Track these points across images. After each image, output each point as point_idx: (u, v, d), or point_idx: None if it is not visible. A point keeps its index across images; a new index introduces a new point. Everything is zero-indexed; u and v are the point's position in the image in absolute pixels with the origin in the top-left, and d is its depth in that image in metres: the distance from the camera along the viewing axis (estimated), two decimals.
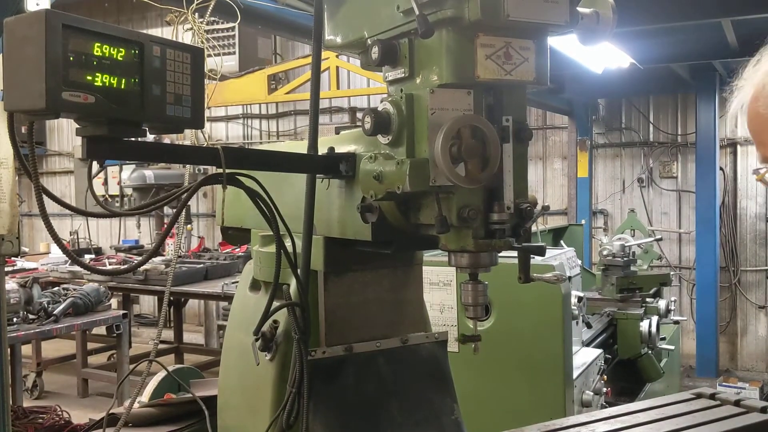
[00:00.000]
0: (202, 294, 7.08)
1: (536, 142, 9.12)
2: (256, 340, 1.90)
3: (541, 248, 1.55)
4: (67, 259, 8.08)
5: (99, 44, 1.26)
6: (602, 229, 8.81)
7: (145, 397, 2.97)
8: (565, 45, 5.40)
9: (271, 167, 1.73)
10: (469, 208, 1.45)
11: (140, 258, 1.65)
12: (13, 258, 8.45)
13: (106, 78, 1.27)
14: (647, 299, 4.84)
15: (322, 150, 1.76)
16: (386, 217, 1.63)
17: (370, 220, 1.65)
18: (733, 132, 8.00)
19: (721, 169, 7.99)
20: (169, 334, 8.73)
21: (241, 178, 1.61)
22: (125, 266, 6.85)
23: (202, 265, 7.43)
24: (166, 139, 7.55)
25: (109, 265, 7.40)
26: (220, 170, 1.51)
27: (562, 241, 5.28)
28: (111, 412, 2.55)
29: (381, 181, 1.51)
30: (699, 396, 2.07)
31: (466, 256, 1.54)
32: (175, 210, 1.68)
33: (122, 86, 1.29)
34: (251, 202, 1.72)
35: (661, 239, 6.83)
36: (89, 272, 6.96)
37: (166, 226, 1.56)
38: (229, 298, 6.25)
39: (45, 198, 1.38)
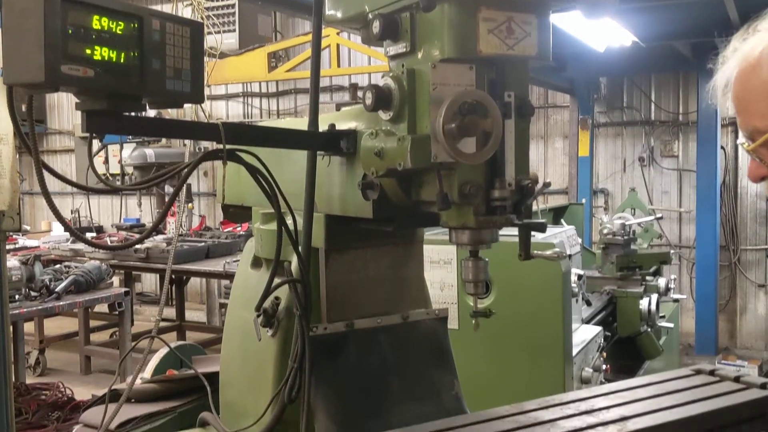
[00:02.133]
0: (204, 272, 7.10)
1: (537, 121, 9.08)
2: (258, 316, 1.91)
3: (542, 225, 1.55)
4: (68, 237, 8.13)
5: (98, 17, 1.25)
6: (603, 208, 8.81)
7: (147, 373, 2.99)
8: (568, 23, 5.35)
9: (272, 143, 1.72)
10: (471, 185, 1.44)
11: (141, 235, 1.65)
12: (14, 236, 8.47)
13: (105, 51, 1.26)
14: (647, 278, 4.85)
15: (322, 127, 1.75)
16: (387, 194, 1.62)
17: (371, 197, 1.64)
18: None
19: (722, 147, 7.97)
20: (171, 312, 8.76)
21: (242, 155, 1.60)
22: (127, 242, 6.88)
23: (203, 244, 7.43)
24: (167, 117, 7.51)
25: (111, 243, 7.41)
26: (221, 146, 1.51)
27: (562, 220, 5.28)
28: (113, 388, 2.56)
29: (382, 157, 1.51)
30: (698, 372, 2.07)
31: (466, 233, 1.54)
32: (176, 197, 1.68)
33: (122, 60, 1.28)
34: (252, 179, 1.72)
35: (661, 218, 6.83)
36: (91, 248, 6.98)
37: (167, 202, 1.56)
38: (230, 276, 6.26)
39: (46, 175, 1.38)
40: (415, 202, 1.59)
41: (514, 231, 1.63)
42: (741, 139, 1.35)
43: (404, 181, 1.57)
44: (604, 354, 3.70)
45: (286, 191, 1.76)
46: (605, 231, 4.97)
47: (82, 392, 5.57)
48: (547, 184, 1.52)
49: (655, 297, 4.54)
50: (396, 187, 1.58)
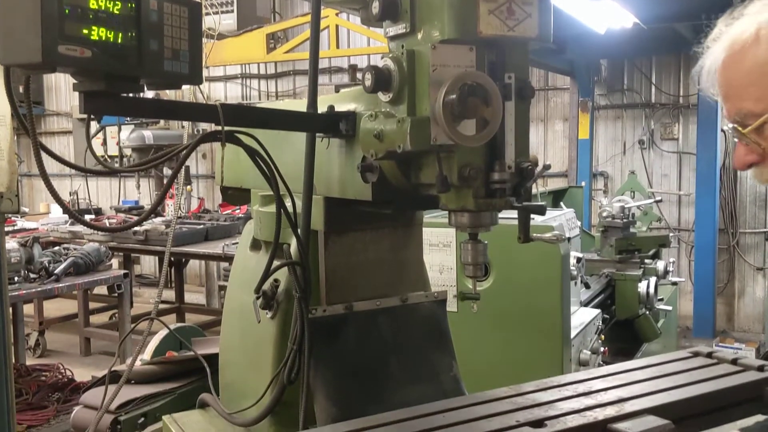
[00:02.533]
0: (203, 254, 7.10)
1: (537, 103, 9.05)
2: (257, 298, 1.92)
3: (542, 207, 1.54)
4: (67, 219, 8.11)
5: None
6: (602, 191, 8.80)
7: (147, 354, 3.01)
8: (568, 4, 5.32)
9: (270, 125, 1.72)
10: (470, 167, 1.44)
11: (140, 217, 1.65)
12: (13, 218, 8.46)
13: (102, 32, 1.25)
14: (646, 260, 4.86)
15: (321, 108, 1.74)
16: (386, 177, 1.62)
17: (370, 180, 1.64)
18: None
19: (722, 130, 7.95)
20: (170, 295, 8.78)
21: (240, 136, 1.59)
22: (125, 224, 6.87)
23: (202, 226, 7.43)
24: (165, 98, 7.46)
25: (109, 225, 7.41)
26: (219, 128, 1.50)
27: (561, 203, 5.28)
28: (113, 369, 2.58)
29: (381, 139, 1.50)
30: (696, 354, 2.08)
31: (466, 216, 1.54)
32: (175, 178, 1.67)
33: (119, 40, 1.27)
34: (251, 161, 1.71)
35: (660, 201, 6.82)
36: (90, 230, 6.97)
37: (165, 184, 1.55)
38: (229, 258, 6.27)
39: (44, 157, 1.37)
40: (415, 184, 1.59)
41: (514, 214, 1.63)
42: (729, 124, 1.31)
43: (403, 163, 1.56)
44: (603, 336, 3.71)
45: (285, 174, 1.75)
46: (604, 214, 4.98)
47: (82, 374, 5.59)
48: (546, 167, 1.52)
49: (653, 280, 4.55)
50: (395, 170, 1.58)
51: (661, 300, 4.79)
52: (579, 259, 3.39)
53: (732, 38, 1.28)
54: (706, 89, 1.35)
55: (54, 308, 8.33)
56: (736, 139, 1.30)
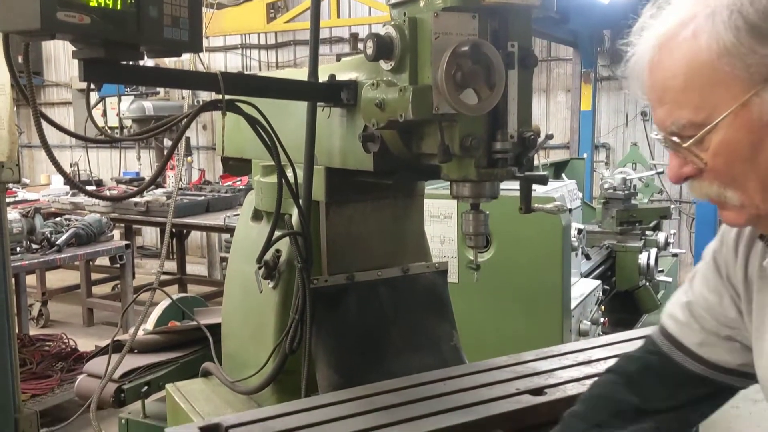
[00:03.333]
0: (204, 226, 7.10)
1: (540, 74, 8.97)
2: (259, 268, 1.92)
3: (544, 177, 1.54)
4: (68, 190, 8.10)
5: None
6: (604, 163, 8.77)
7: (149, 324, 3.02)
8: None
9: (271, 94, 1.70)
10: (472, 137, 1.43)
11: (141, 186, 1.65)
12: (14, 189, 8.45)
13: None
14: (647, 232, 4.86)
15: (322, 78, 1.73)
16: (388, 147, 1.61)
17: (371, 150, 1.63)
18: None
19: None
20: (172, 266, 8.80)
21: (241, 105, 1.58)
22: (128, 193, 6.87)
23: (203, 198, 7.41)
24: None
25: (110, 195, 7.40)
26: (219, 97, 1.49)
27: (563, 175, 5.26)
28: (116, 339, 2.59)
29: (383, 108, 1.49)
30: None
31: (467, 186, 1.54)
32: (176, 147, 1.67)
33: (118, 6, 1.26)
34: (251, 132, 1.70)
35: (662, 172, 6.79)
36: (91, 201, 6.98)
37: (166, 154, 1.55)
38: (231, 230, 6.27)
39: (44, 128, 1.36)
40: (416, 154, 1.58)
41: (514, 185, 1.63)
42: (659, 133, 1.10)
43: (405, 133, 1.55)
44: (603, 307, 3.73)
45: (286, 144, 1.74)
46: (606, 186, 4.96)
47: (85, 344, 5.62)
48: (549, 137, 1.51)
49: (654, 251, 4.55)
50: (397, 140, 1.57)
51: (662, 272, 4.80)
52: (580, 231, 3.39)
53: (663, 33, 1.07)
54: (633, 91, 1.14)
55: (56, 279, 8.37)
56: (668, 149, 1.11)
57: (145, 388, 2.65)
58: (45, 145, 1.36)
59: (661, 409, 1.31)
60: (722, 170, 1.04)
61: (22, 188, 8.67)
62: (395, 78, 1.50)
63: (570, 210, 3.29)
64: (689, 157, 1.06)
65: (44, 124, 1.43)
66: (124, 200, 7.00)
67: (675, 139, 1.07)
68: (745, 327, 1.24)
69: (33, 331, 6.26)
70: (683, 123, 1.04)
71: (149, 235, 11.08)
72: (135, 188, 7.73)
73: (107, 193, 7.53)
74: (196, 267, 9.73)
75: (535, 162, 2.82)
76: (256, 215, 2.16)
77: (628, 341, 1.96)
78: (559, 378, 1.68)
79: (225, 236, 8.30)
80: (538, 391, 1.60)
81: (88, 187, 7.38)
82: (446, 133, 1.42)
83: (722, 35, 0.99)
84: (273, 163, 1.76)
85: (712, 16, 1.01)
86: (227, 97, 1.51)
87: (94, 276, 7.87)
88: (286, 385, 1.89)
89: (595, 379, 1.43)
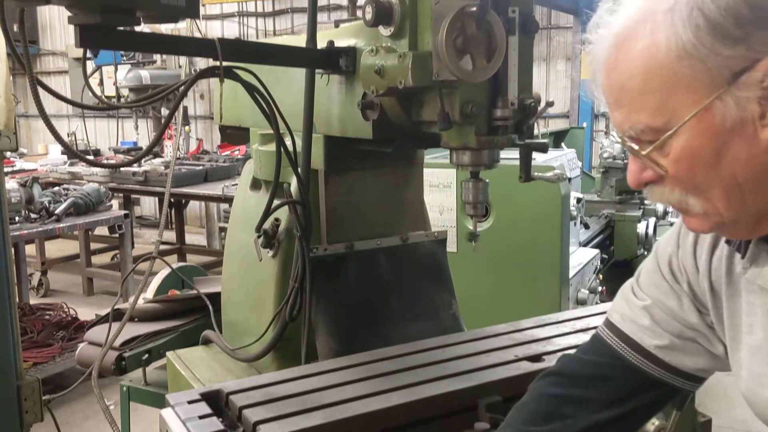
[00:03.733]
0: (203, 196, 7.09)
1: (540, 42, 8.88)
2: (258, 237, 1.92)
3: (544, 144, 1.53)
4: (66, 160, 8.06)
5: None
6: (604, 132, 8.73)
7: (149, 293, 3.03)
8: None
9: (269, 60, 1.69)
10: (473, 104, 1.42)
11: (140, 153, 1.64)
12: (11, 158, 8.41)
13: None
14: (645, 201, 4.86)
15: (321, 44, 1.71)
16: (387, 115, 1.60)
17: (370, 118, 1.62)
18: None
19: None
20: (171, 236, 8.81)
21: (239, 72, 1.57)
22: (126, 160, 6.84)
23: (201, 167, 7.39)
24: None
25: (107, 168, 7.37)
26: (217, 64, 1.47)
27: (563, 144, 5.25)
28: (116, 307, 2.60)
29: (382, 75, 1.48)
30: None
31: (467, 154, 1.53)
32: (173, 115, 1.65)
33: None
34: (249, 100, 1.69)
35: None
36: (89, 171, 6.96)
37: (163, 122, 1.54)
38: (229, 200, 6.26)
39: (42, 94, 1.35)
40: (416, 122, 1.57)
41: (514, 154, 1.62)
42: (616, 137, 1.09)
43: (405, 100, 1.54)
44: (601, 276, 3.75)
45: (284, 112, 1.73)
46: (605, 155, 4.95)
47: (85, 313, 5.65)
48: (549, 104, 1.50)
49: (652, 221, 4.56)
50: (396, 107, 1.56)
51: None
52: (579, 200, 3.39)
53: (620, 31, 0.99)
54: (589, 91, 1.08)
55: (55, 249, 8.37)
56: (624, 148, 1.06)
57: (146, 355, 2.67)
58: (42, 113, 1.35)
59: (612, 415, 1.22)
60: (684, 177, 0.98)
61: (20, 158, 8.63)
62: (395, 44, 1.48)
63: (569, 179, 3.28)
64: (649, 164, 1.00)
65: (41, 92, 1.41)
66: (124, 168, 6.99)
67: (633, 144, 1.00)
68: (706, 332, 1.19)
69: (33, 301, 6.29)
70: (641, 127, 0.98)
71: (148, 205, 11.07)
72: (133, 157, 7.72)
73: (105, 162, 7.50)
74: (195, 237, 9.73)
75: (535, 131, 2.81)
76: (255, 184, 2.15)
77: None
78: (557, 345, 1.69)
79: (224, 206, 8.30)
80: (536, 358, 1.62)
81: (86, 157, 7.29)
82: (446, 100, 1.41)
83: (681, 35, 0.92)
84: (271, 131, 1.75)
85: (671, 13, 0.93)
86: (225, 64, 1.49)
87: (93, 246, 7.88)
88: (286, 353, 1.91)
89: (534, 382, 1.31)
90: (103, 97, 8.85)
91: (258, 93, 1.62)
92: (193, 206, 10.17)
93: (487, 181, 1.60)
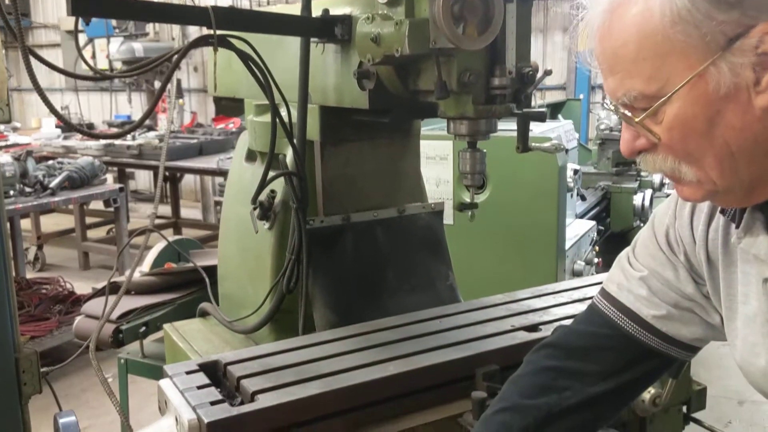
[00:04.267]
0: (197, 169, 7.06)
1: (537, 13, 8.79)
2: (254, 209, 1.91)
3: (542, 113, 1.52)
4: (59, 133, 8.01)
5: None
6: (601, 104, 8.70)
7: (145, 266, 3.03)
8: None
9: (263, 28, 1.66)
10: (470, 72, 1.41)
11: (134, 123, 1.62)
12: (4, 132, 8.36)
13: None
14: (642, 173, 4.86)
15: (316, 13, 1.69)
16: (384, 84, 1.58)
17: (367, 87, 1.60)
18: None
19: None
20: (166, 210, 8.80)
21: (233, 41, 1.54)
22: (120, 130, 6.80)
23: (196, 141, 7.35)
24: None
25: (102, 139, 7.33)
26: (211, 32, 1.45)
27: (560, 116, 5.23)
28: (113, 280, 2.60)
29: (378, 43, 1.45)
30: None
31: (465, 123, 1.52)
32: (167, 85, 1.63)
33: None
34: (244, 70, 1.66)
35: None
36: (83, 145, 6.91)
37: (157, 92, 1.51)
38: (224, 173, 6.24)
39: (35, 67, 1.33)
40: (413, 91, 1.55)
41: (511, 126, 1.61)
42: (609, 105, 1.04)
43: (401, 69, 1.52)
44: (597, 248, 3.75)
45: (279, 82, 1.71)
46: (602, 126, 4.93)
47: (81, 287, 5.66)
48: (548, 72, 1.48)
49: (649, 192, 4.56)
50: (393, 76, 1.54)
51: None
52: (576, 171, 3.38)
53: None
54: (582, 58, 1.06)
55: (51, 223, 8.35)
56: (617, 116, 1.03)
57: (143, 328, 2.68)
58: (35, 83, 1.33)
59: (608, 387, 1.22)
60: (677, 145, 0.98)
61: (13, 132, 8.57)
62: (391, 11, 1.46)
63: (566, 150, 3.27)
64: (642, 132, 0.99)
65: (34, 64, 1.39)
66: (118, 141, 6.95)
67: (626, 112, 0.99)
68: (702, 303, 1.19)
69: (29, 275, 6.29)
70: (635, 95, 0.97)
71: (143, 179, 11.04)
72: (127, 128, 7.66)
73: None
74: (190, 211, 9.72)
75: (532, 103, 2.79)
76: (250, 156, 2.14)
77: None
78: (554, 315, 1.69)
79: (219, 180, 8.28)
80: (532, 328, 1.62)
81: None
82: (443, 68, 1.39)
83: (676, 0, 0.91)
84: (266, 102, 1.73)
85: None
86: (218, 32, 1.47)
87: (89, 220, 7.86)
88: (284, 324, 1.91)
89: (530, 354, 1.29)
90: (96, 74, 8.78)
91: (252, 62, 1.60)
92: (188, 180, 10.15)
93: (485, 151, 1.59)
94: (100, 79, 1.55)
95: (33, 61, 1.38)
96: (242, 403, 1.33)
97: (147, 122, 8.58)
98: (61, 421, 1.28)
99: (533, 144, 1.67)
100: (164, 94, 7.81)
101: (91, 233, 7.86)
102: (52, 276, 5.84)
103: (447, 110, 1.48)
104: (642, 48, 0.95)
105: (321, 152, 1.90)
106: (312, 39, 1.71)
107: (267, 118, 1.81)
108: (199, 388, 1.35)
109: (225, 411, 1.26)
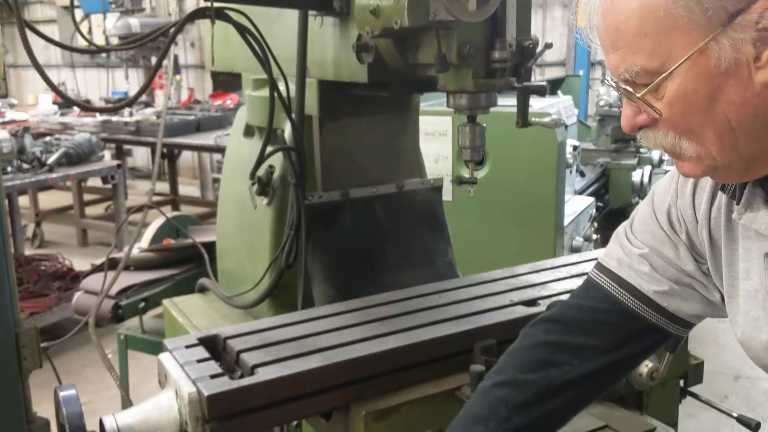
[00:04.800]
0: (195, 146, 7.03)
1: None
2: (253, 184, 1.91)
3: (542, 87, 1.51)
4: (56, 110, 7.96)
5: None
6: (600, 80, 8.65)
7: (144, 243, 3.03)
8: None
9: (261, 0, 1.64)
10: (470, 45, 1.39)
11: (131, 97, 1.60)
12: (2, 109, 8.32)
13: None
14: (641, 150, 4.85)
15: None
16: (383, 57, 1.57)
17: (366, 60, 1.59)
18: None
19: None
20: (164, 187, 8.78)
21: (230, 13, 1.53)
22: (118, 104, 6.75)
23: (193, 117, 7.31)
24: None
25: (99, 115, 7.29)
26: (208, 4, 1.44)
27: (559, 92, 5.20)
28: (111, 256, 2.60)
29: (378, 15, 1.44)
30: None
31: (465, 97, 1.51)
32: (164, 58, 1.61)
33: None
34: (242, 44, 1.65)
35: None
36: (80, 121, 6.88)
37: (154, 64, 1.50)
38: (222, 150, 6.20)
39: (31, 40, 1.31)
40: (412, 65, 1.54)
41: (510, 101, 1.59)
42: (610, 81, 1.04)
43: (401, 42, 1.51)
44: (595, 224, 3.75)
45: (277, 56, 1.70)
46: (602, 102, 4.91)
47: (80, 264, 5.66)
48: (548, 45, 1.47)
49: (648, 169, 4.55)
50: (392, 49, 1.53)
51: None
52: (575, 147, 3.37)
53: None
54: (584, 35, 1.06)
55: (49, 200, 8.34)
56: (618, 92, 1.03)
57: (142, 304, 2.69)
58: (31, 57, 1.32)
59: (606, 362, 1.22)
60: (678, 120, 0.98)
61: (10, 108, 8.53)
62: None
63: (566, 126, 3.26)
64: (643, 107, 1.00)
65: (31, 40, 1.38)
66: (117, 111, 6.90)
67: (628, 87, 1.00)
68: (702, 280, 1.20)
69: (28, 252, 6.29)
70: (637, 70, 0.97)
71: (141, 157, 11.01)
72: (125, 108, 7.62)
73: (96, 113, 7.42)
74: (188, 188, 9.71)
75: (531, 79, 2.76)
76: (248, 131, 2.13)
77: None
78: (553, 290, 1.70)
79: (217, 157, 8.25)
80: (531, 303, 1.63)
81: (76, 108, 7.17)
82: (443, 41, 1.38)
83: None
84: (264, 76, 1.72)
85: None
86: (216, 4, 1.45)
87: (87, 197, 7.85)
88: (283, 300, 1.91)
89: (527, 328, 1.29)
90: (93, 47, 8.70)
91: (250, 35, 1.59)
92: (186, 157, 10.12)
93: (484, 125, 1.58)
94: (96, 51, 1.53)
95: (30, 36, 1.36)
96: (242, 376, 1.33)
97: (144, 99, 8.54)
98: (62, 394, 1.29)
99: (533, 119, 1.66)
100: (161, 70, 7.75)
101: (90, 210, 7.86)
102: (51, 253, 5.84)
103: (447, 84, 1.47)
104: (644, 23, 0.94)
105: (320, 127, 1.89)
106: (310, 12, 1.69)
107: (265, 92, 1.80)
108: (198, 361, 1.36)
109: (225, 384, 1.27)
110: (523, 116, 1.61)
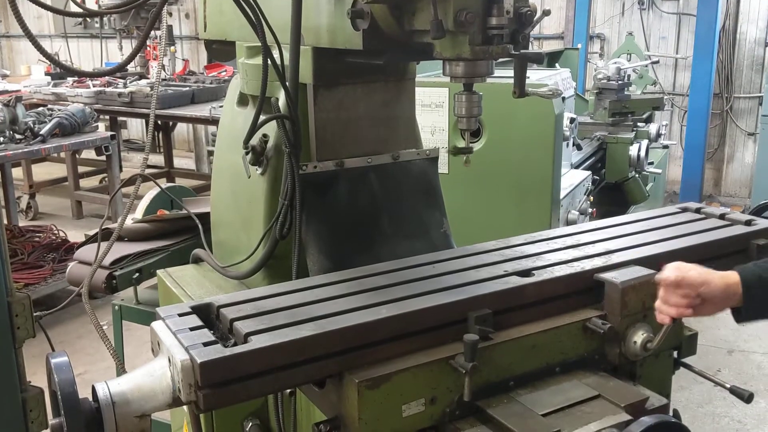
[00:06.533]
0: (190, 117, 6.98)
1: None
2: (247, 153, 1.89)
3: (540, 55, 1.49)
4: (49, 80, 7.87)
5: None
6: (598, 54, 8.59)
7: (138, 214, 3.02)
8: None
9: None
10: (467, 11, 1.37)
11: (122, 61, 1.58)
12: None
13: None
14: (638, 123, 4.83)
15: None
16: (378, 24, 1.54)
17: (361, 27, 1.56)
18: None
19: None
20: (159, 160, 8.74)
21: None
22: (111, 79, 6.68)
23: (188, 89, 7.25)
24: None
25: (93, 86, 7.22)
26: None
27: (557, 65, 5.15)
28: (105, 227, 2.58)
29: None
30: (685, 210, 2.10)
31: (461, 65, 1.49)
32: (156, 21, 1.58)
33: None
34: (235, 12, 1.62)
35: (657, 62, 6.69)
36: (73, 92, 6.81)
37: (145, 29, 1.46)
38: (217, 121, 6.16)
39: (23, 9, 1.28)
40: (408, 31, 1.52)
41: (506, 73, 1.57)
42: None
43: (396, 8, 1.48)
44: (591, 198, 3.75)
45: (271, 24, 1.67)
46: (600, 76, 4.88)
47: (75, 235, 5.64)
48: (546, 12, 1.45)
49: (645, 143, 4.54)
50: (388, 15, 1.50)
51: (651, 164, 4.80)
52: (572, 120, 3.35)
53: None
54: None
55: (43, 172, 8.30)
56: None
57: (137, 274, 2.68)
58: (22, 25, 1.29)
59: None
60: None
61: (2, 79, 8.44)
62: None
63: (564, 98, 3.23)
64: None
65: (22, 9, 1.35)
66: (112, 74, 6.82)
67: None
68: None
69: (22, 223, 6.27)
70: None
71: (135, 128, 10.94)
72: (118, 79, 7.55)
73: (90, 83, 7.35)
74: (183, 161, 9.67)
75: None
76: (242, 100, 2.10)
77: (617, 226, 1.97)
78: (547, 261, 1.69)
79: (212, 129, 8.20)
80: (525, 273, 1.62)
81: (69, 79, 7.09)
82: (439, 6, 1.35)
83: None
84: (258, 44, 1.69)
85: None
86: None
87: (81, 169, 7.81)
88: (277, 270, 1.90)
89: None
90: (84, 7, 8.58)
91: (244, 0, 1.55)
92: (181, 130, 10.06)
93: (481, 93, 1.56)
94: (88, 15, 1.50)
95: (22, 5, 1.33)
96: (235, 344, 1.32)
97: (138, 70, 8.44)
98: (53, 360, 1.28)
99: (530, 89, 1.64)
100: (155, 41, 7.64)
101: (84, 182, 7.82)
102: (45, 224, 5.82)
103: (443, 51, 1.45)
104: None
105: (314, 95, 1.87)
106: None
107: (259, 60, 1.77)
108: (191, 329, 1.35)
109: (218, 352, 1.26)
110: (520, 86, 1.59)
